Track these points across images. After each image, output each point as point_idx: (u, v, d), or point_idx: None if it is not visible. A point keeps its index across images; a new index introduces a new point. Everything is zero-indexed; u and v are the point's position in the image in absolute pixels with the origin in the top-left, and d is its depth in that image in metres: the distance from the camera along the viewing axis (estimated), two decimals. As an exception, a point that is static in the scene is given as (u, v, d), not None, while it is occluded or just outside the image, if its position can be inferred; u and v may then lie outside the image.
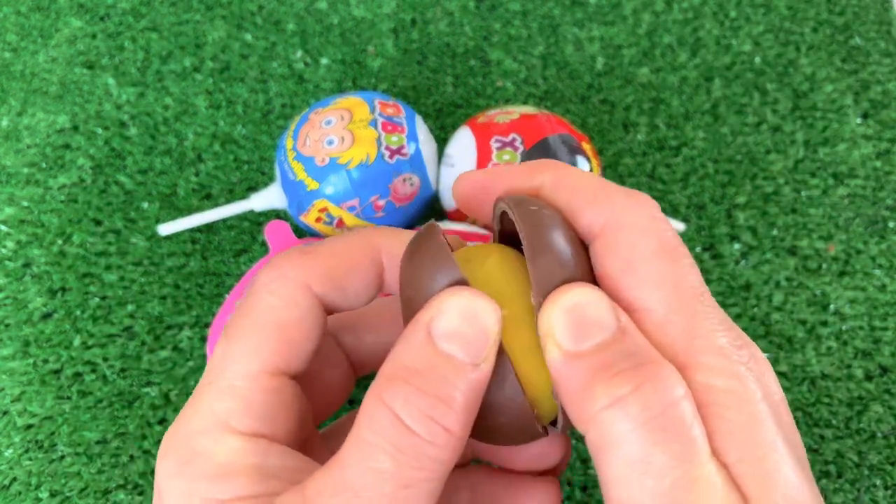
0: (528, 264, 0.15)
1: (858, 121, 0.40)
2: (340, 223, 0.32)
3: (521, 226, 0.15)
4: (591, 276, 0.16)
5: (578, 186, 0.16)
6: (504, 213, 0.17)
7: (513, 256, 0.17)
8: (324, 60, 0.42)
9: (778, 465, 0.14)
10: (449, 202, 0.33)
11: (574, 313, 0.14)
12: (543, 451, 0.19)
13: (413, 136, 0.32)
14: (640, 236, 0.15)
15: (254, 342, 0.16)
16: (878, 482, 0.32)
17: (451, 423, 0.14)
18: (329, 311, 0.18)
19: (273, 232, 0.34)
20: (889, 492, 0.31)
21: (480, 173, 0.18)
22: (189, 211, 0.37)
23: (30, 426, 0.32)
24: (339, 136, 0.31)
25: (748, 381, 0.14)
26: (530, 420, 0.15)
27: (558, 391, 0.15)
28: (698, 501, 0.13)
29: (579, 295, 0.15)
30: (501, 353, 0.15)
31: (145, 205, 0.37)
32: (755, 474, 0.13)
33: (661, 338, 0.15)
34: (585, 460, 0.31)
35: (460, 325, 0.15)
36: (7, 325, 0.34)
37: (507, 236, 0.18)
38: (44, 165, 0.38)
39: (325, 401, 0.20)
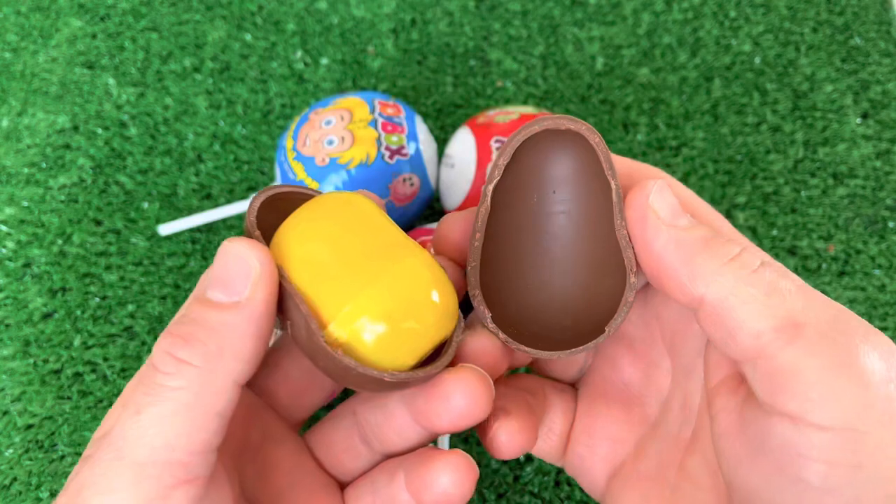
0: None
1: (858, 121, 0.40)
2: (340, 223, 0.32)
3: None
4: None
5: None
6: None
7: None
8: (324, 60, 0.42)
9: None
10: (449, 202, 0.33)
11: (666, 195, 0.17)
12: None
13: (413, 137, 0.32)
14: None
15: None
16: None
17: (185, 355, 0.15)
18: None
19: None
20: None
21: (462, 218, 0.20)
22: (189, 211, 0.37)
23: (30, 426, 0.32)
24: (340, 136, 0.31)
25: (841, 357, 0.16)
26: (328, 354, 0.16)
27: (662, 266, 0.17)
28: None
29: (663, 184, 0.17)
30: (290, 300, 0.16)
31: (145, 205, 0.37)
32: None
33: (738, 316, 0.16)
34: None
35: (220, 271, 0.16)
36: (7, 325, 0.34)
37: None
38: (44, 165, 0.38)
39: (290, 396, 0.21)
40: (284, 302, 0.17)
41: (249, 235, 0.17)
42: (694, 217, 0.18)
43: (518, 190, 0.19)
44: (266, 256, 0.16)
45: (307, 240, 0.17)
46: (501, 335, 0.18)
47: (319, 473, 0.20)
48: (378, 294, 0.16)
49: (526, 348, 0.18)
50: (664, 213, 0.17)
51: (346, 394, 0.30)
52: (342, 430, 0.20)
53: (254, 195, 0.18)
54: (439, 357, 0.18)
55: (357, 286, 0.16)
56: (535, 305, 0.19)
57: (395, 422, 0.19)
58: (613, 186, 0.18)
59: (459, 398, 0.17)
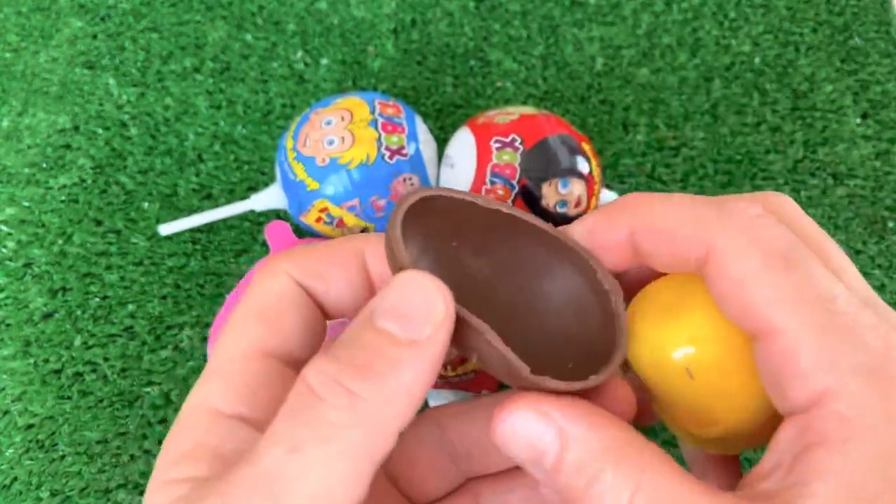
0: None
1: (858, 121, 0.40)
2: (341, 223, 0.32)
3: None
4: None
5: (665, 226, 0.16)
6: None
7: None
8: (324, 61, 0.42)
9: None
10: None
11: None
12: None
13: (413, 137, 0.32)
14: (741, 256, 0.15)
15: (237, 328, 0.17)
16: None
17: (358, 387, 0.13)
18: (319, 303, 0.18)
19: (273, 232, 0.34)
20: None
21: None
22: (189, 211, 0.37)
23: (30, 426, 0.32)
24: (340, 136, 0.31)
25: (883, 412, 0.13)
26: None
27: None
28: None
29: None
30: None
31: (146, 205, 0.37)
32: None
33: (799, 362, 0.14)
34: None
35: (399, 302, 0.14)
36: (8, 325, 0.34)
37: None
38: (44, 165, 0.38)
39: None
40: (466, 336, 0.15)
41: (391, 250, 0.16)
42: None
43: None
44: (450, 296, 0.14)
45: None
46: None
47: None
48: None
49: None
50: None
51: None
52: (427, 447, 0.19)
53: (397, 206, 0.16)
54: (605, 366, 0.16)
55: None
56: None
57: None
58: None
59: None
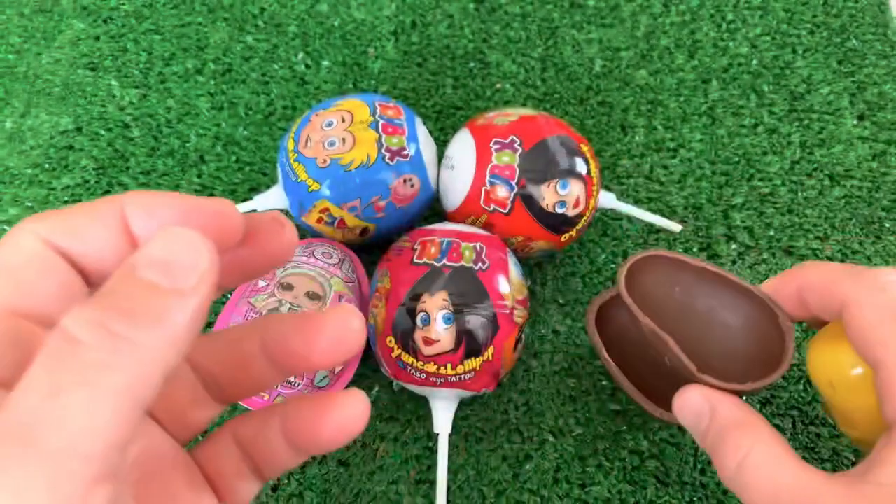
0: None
1: (854, 122, 0.40)
2: (342, 224, 0.32)
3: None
4: None
5: (820, 282, 0.23)
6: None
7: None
8: (325, 63, 0.42)
9: None
10: (449, 203, 0.33)
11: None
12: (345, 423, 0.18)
13: (413, 138, 0.32)
14: (870, 307, 0.21)
15: None
16: (874, 480, 0.32)
17: (122, 329, 0.13)
18: (72, 259, 0.17)
19: (275, 232, 0.34)
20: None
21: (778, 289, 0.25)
22: (191, 212, 0.37)
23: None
24: (340, 137, 0.31)
25: None
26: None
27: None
28: None
29: None
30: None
31: (148, 205, 0.38)
32: None
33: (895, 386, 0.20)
34: (583, 458, 0.31)
35: (163, 254, 0.14)
36: (11, 325, 0.34)
37: None
38: (47, 166, 0.39)
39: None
40: (659, 345, 0.25)
41: (630, 304, 0.25)
42: None
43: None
44: (213, 247, 0.15)
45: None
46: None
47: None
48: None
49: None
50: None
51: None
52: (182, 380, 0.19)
53: (623, 266, 0.26)
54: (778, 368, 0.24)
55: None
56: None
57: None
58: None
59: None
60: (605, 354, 0.27)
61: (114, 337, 0.13)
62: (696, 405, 0.23)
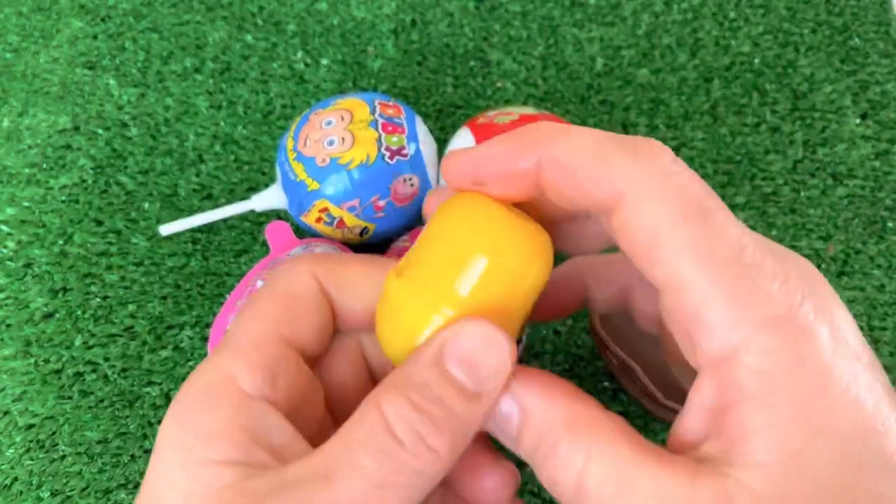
0: None
1: (857, 121, 0.40)
2: (341, 223, 0.32)
3: None
4: None
5: (572, 164, 0.15)
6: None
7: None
8: (324, 61, 0.42)
9: (807, 463, 0.13)
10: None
11: None
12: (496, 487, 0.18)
13: (413, 137, 0.32)
14: (656, 203, 0.14)
15: (260, 308, 0.17)
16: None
17: (437, 444, 0.14)
18: (332, 304, 0.18)
19: (274, 232, 0.34)
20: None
21: (467, 159, 0.17)
22: (190, 211, 0.37)
23: (31, 426, 0.32)
24: (340, 136, 0.31)
25: (796, 360, 0.13)
26: None
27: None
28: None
29: None
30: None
31: (146, 205, 0.37)
32: (785, 474, 0.13)
33: (709, 316, 0.14)
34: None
35: (474, 353, 0.15)
36: (8, 325, 0.34)
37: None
38: (45, 166, 0.38)
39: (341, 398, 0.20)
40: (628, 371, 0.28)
41: (603, 335, 0.28)
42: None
43: None
44: (515, 354, 0.15)
45: None
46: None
47: None
48: None
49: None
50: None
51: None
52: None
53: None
54: None
55: None
56: None
57: None
58: None
59: None
60: (615, 347, 0.27)
61: (429, 451, 0.14)
62: (500, 407, 0.16)
